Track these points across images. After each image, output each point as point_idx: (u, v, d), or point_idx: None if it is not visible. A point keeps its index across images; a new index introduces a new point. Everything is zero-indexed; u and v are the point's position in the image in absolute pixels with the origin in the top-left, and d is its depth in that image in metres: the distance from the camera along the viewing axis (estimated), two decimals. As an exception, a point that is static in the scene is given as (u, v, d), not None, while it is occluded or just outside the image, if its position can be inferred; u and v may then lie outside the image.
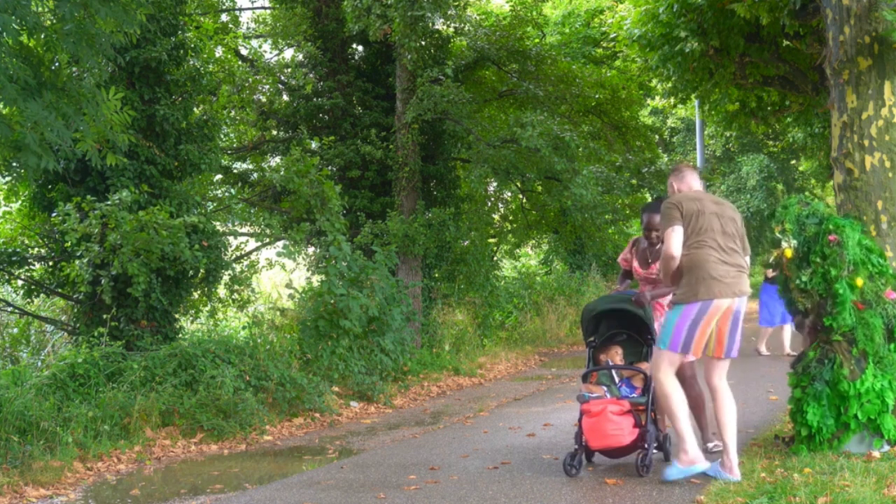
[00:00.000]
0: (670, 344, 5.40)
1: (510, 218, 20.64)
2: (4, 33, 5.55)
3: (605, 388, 5.88)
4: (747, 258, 5.62)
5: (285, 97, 16.42)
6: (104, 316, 9.07)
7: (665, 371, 5.45)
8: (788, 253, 5.87)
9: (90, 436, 7.13)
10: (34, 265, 10.56)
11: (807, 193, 6.99)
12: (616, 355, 6.05)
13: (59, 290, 10.48)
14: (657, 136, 24.73)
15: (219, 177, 15.99)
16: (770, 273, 11.69)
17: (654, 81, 15.47)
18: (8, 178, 10.41)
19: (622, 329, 6.14)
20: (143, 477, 6.63)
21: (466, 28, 15.42)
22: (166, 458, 7.26)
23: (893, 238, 6.27)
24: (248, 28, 17.99)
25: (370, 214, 14.49)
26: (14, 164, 8.77)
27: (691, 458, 5.36)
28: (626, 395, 5.85)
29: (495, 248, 19.27)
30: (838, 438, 5.76)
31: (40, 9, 6.43)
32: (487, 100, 16.94)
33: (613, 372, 5.93)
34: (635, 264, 6.49)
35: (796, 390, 5.94)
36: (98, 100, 6.39)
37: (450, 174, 15.76)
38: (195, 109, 11.24)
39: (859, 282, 5.74)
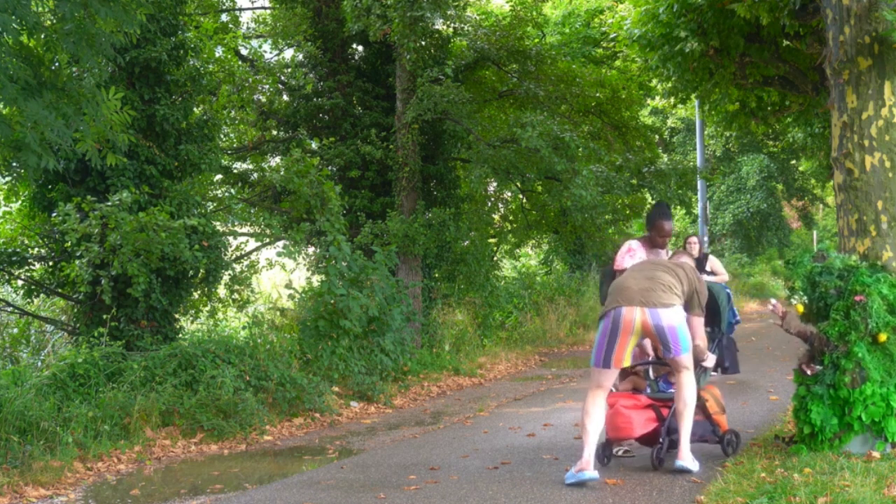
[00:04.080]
0: (594, 360, 5.71)
1: (510, 218, 20.64)
2: (4, 33, 5.55)
3: (647, 383, 6.12)
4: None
5: (285, 97, 16.41)
6: (104, 316, 9.06)
7: (590, 385, 5.76)
8: (800, 309, 6.00)
9: (90, 436, 7.12)
10: (34, 265, 10.54)
11: (827, 243, 6.98)
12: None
13: (59, 290, 10.48)
14: (657, 136, 24.72)
15: (219, 177, 15.97)
16: None
17: (654, 81, 15.46)
18: (8, 178, 10.39)
19: None
20: (143, 477, 6.63)
21: (466, 28, 15.41)
22: (166, 458, 7.26)
23: (893, 238, 6.26)
24: (248, 28, 17.98)
25: (370, 214, 14.49)
26: (14, 164, 8.76)
27: (581, 465, 5.56)
28: (663, 391, 6.07)
29: (495, 248, 19.27)
30: (840, 438, 5.77)
31: (40, 9, 6.42)
32: (487, 100, 16.94)
33: (650, 368, 6.12)
34: None
35: (801, 388, 5.95)
36: (98, 100, 6.39)
37: (450, 174, 15.76)
38: (195, 109, 11.23)
39: (882, 337, 5.77)
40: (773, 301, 6.27)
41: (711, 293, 6.33)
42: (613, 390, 6.03)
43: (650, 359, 6.17)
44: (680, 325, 5.63)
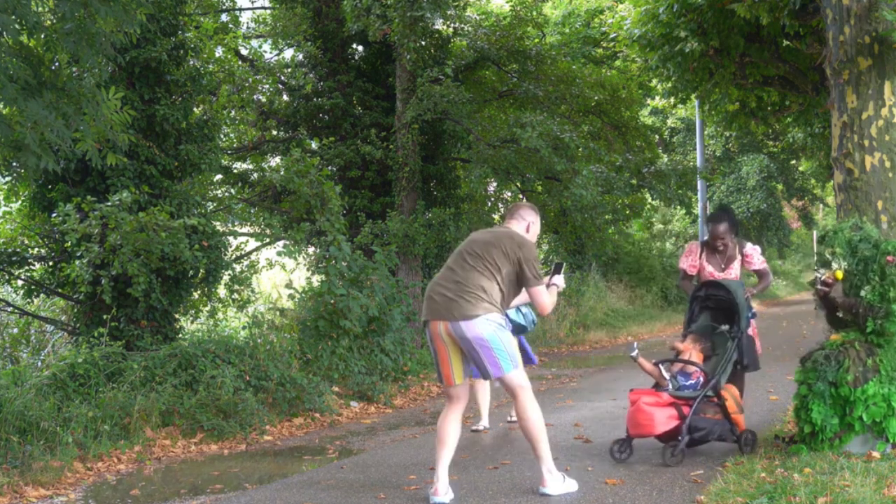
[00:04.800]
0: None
1: (510, 218, 20.61)
2: (4, 33, 5.55)
3: (667, 380, 6.19)
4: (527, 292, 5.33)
5: (285, 97, 16.43)
6: (104, 316, 9.06)
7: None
8: (839, 274, 5.97)
9: (90, 436, 7.12)
10: (34, 265, 10.54)
11: (863, 219, 7.11)
12: (691, 346, 6.36)
13: (59, 290, 10.47)
14: (657, 136, 24.74)
15: (219, 177, 15.98)
16: None
17: (654, 81, 15.48)
18: (8, 178, 10.40)
19: (718, 323, 6.46)
20: (143, 477, 6.62)
21: (466, 28, 15.43)
22: (166, 458, 7.26)
23: (894, 238, 6.27)
24: (248, 28, 17.99)
25: (370, 214, 14.49)
26: (14, 164, 8.77)
27: (433, 489, 5.25)
28: (682, 384, 6.15)
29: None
30: (840, 438, 5.76)
31: (40, 8, 6.42)
32: (487, 100, 16.95)
33: (661, 366, 6.21)
34: (710, 269, 6.88)
35: (802, 387, 5.94)
36: (98, 99, 6.39)
37: (450, 174, 15.76)
38: (195, 109, 11.23)
39: None
40: (821, 271, 6.18)
41: (729, 290, 6.38)
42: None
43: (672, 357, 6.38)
44: (492, 337, 5.12)
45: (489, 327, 5.12)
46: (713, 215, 6.91)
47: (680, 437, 5.89)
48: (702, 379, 6.15)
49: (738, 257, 6.88)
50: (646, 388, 6.28)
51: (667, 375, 6.19)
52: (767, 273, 6.96)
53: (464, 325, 5.12)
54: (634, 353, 6.06)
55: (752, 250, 6.87)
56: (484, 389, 7.80)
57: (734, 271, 6.86)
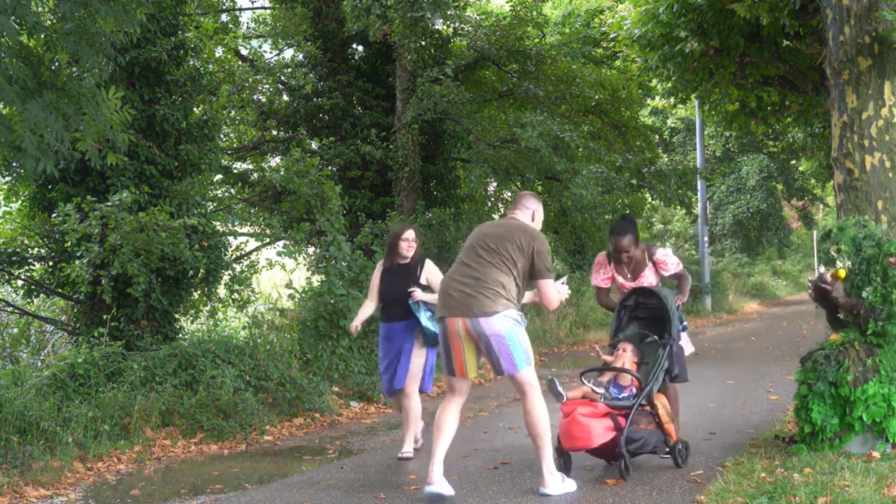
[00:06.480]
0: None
1: (510, 218, 20.61)
2: (4, 34, 5.55)
3: (600, 391, 5.82)
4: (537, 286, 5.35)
5: (285, 97, 16.45)
6: (104, 316, 9.06)
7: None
8: (842, 273, 5.92)
9: (90, 436, 7.12)
10: (34, 265, 10.55)
11: (865, 217, 7.04)
12: (623, 354, 5.97)
13: (59, 290, 10.48)
14: (657, 136, 24.74)
15: (219, 177, 16.00)
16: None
17: (654, 81, 15.47)
18: (8, 179, 10.41)
19: (646, 331, 6.11)
20: (143, 477, 6.63)
21: (466, 28, 15.45)
22: (166, 458, 7.26)
23: (894, 238, 6.27)
24: (248, 28, 18.01)
25: (370, 214, 14.50)
26: (14, 164, 8.78)
27: (428, 479, 5.29)
28: (615, 396, 5.77)
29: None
30: (840, 438, 5.77)
31: (40, 8, 6.43)
32: (487, 100, 16.96)
33: (589, 380, 5.88)
34: (620, 280, 6.44)
35: (802, 387, 5.94)
36: (98, 99, 6.39)
37: (450, 174, 15.76)
38: (195, 109, 11.24)
39: None
40: (822, 269, 6.09)
41: (660, 297, 6.07)
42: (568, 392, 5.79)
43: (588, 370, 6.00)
44: (509, 333, 5.18)
45: (507, 324, 5.17)
46: (615, 227, 6.40)
47: (618, 450, 5.52)
48: (635, 389, 5.79)
49: (649, 264, 6.39)
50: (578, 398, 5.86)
51: (598, 389, 5.80)
52: (684, 275, 6.47)
53: (483, 321, 5.15)
54: (563, 400, 5.67)
55: (665, 256, 6.39)
56: (414, 413, 6.96)
57: (646, 279, 6.38)
